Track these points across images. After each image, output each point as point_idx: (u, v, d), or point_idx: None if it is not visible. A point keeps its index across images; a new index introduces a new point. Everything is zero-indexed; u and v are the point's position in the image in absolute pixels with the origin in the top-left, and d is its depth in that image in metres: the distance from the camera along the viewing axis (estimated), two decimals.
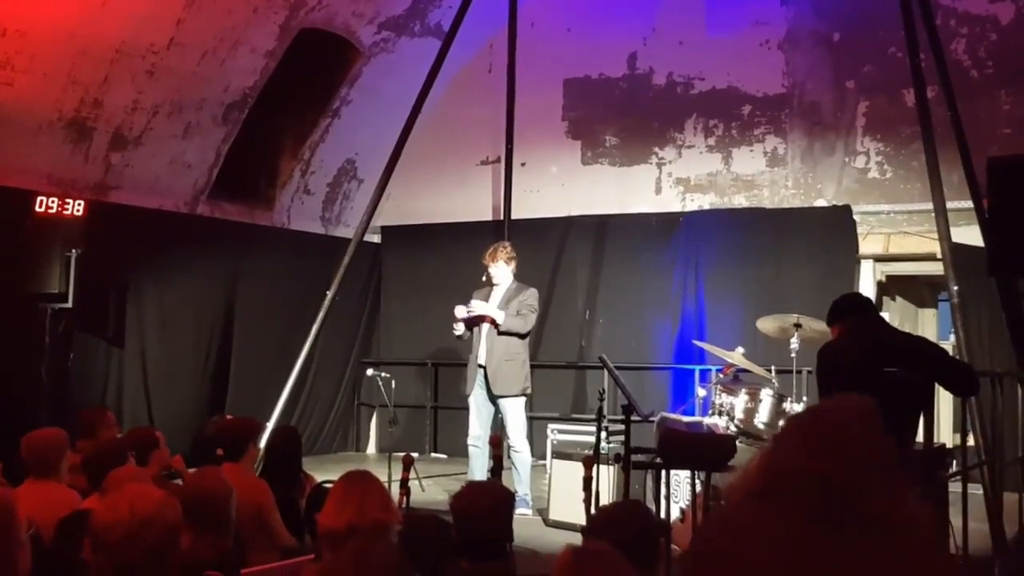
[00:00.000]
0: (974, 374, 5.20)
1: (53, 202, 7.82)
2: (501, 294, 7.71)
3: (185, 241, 9.73)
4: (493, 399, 7.63)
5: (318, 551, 3.40)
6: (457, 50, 9.83)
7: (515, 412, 7.62)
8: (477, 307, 7.60)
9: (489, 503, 3.44)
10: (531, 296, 7.73)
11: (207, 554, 3.36)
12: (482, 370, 7.62)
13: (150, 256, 9.36)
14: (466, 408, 7.84)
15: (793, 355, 7.13)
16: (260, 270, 10.49)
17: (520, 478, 7.56)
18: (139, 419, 8.93)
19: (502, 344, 7.57)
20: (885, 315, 10.04)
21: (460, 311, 7.62)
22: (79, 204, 7.95)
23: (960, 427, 6.59)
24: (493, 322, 7.59)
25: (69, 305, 7.88)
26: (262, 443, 6.63)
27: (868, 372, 4.74)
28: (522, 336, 7.65)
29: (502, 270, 7.72)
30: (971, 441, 6.78)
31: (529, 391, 7.80)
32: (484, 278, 7.79)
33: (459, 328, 7.68)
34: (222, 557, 3.39)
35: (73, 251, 7.81)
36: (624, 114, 11.05)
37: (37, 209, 7.74)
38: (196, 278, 9.89)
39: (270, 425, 8.17)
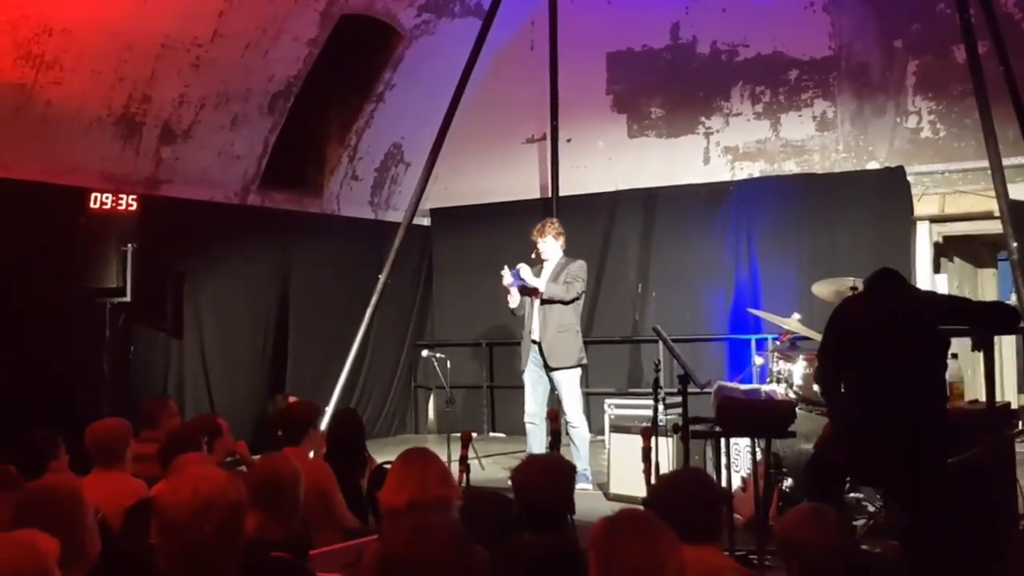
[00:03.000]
0: (1007, 307, 5.00)
1: (107, 198, 7.93)
2: (551, 269, 7.75)
3: (237, 231, 9.84)
4: (549, 373, 7.63)
5: (381, 531, 3.42)
6: (498, 29, 9.81)
7: (571, 385, 7.64)
8: (523, 272, 7.62)
9: (549, 473, 3.43)
10: (578, 267, 7.73)
11: (275, 536, 3.39)
12: (536, 346, 7.64)
13: (204, 247, 9.48)
14: (522, 387, 7.85)
15: None
16: (312, 257, 10.58)
17: (579, 453, 7.57)
18: (201, 407, 9.05)
19: (554, 316, 7.58)
20: (943, 277, 9.88)
21: (507, 277, 7.63)
22: (132, 199, 8.05)
23: None
24: (537, 293, 7.61)
25: (127, 299, 8.00)
26: (322, 427, 6.68)
27: (891, 339, 4.65)
28: (567, 302, 7.62)
29: (550, 245, 7.76)
30: None
31: (584, 361, 7.81)
32: (533, 255, 7.82)
33: (513, 300, 7.70)
34: (290, 540, 3.42)
35: (129, 245, 7.91)
36: (669, 85, 10.94)
37: (92, 205, 7.86)
38: (250, 267, 9.99)
39: (328, 410, 8.26)
